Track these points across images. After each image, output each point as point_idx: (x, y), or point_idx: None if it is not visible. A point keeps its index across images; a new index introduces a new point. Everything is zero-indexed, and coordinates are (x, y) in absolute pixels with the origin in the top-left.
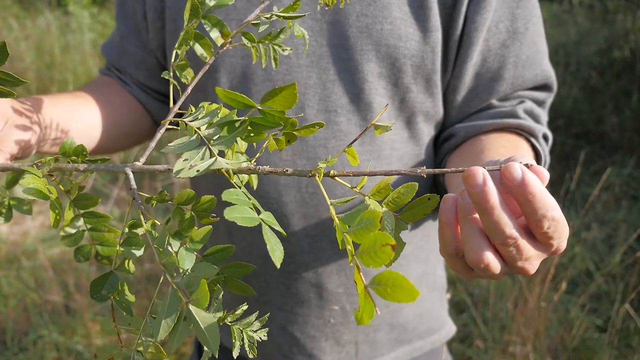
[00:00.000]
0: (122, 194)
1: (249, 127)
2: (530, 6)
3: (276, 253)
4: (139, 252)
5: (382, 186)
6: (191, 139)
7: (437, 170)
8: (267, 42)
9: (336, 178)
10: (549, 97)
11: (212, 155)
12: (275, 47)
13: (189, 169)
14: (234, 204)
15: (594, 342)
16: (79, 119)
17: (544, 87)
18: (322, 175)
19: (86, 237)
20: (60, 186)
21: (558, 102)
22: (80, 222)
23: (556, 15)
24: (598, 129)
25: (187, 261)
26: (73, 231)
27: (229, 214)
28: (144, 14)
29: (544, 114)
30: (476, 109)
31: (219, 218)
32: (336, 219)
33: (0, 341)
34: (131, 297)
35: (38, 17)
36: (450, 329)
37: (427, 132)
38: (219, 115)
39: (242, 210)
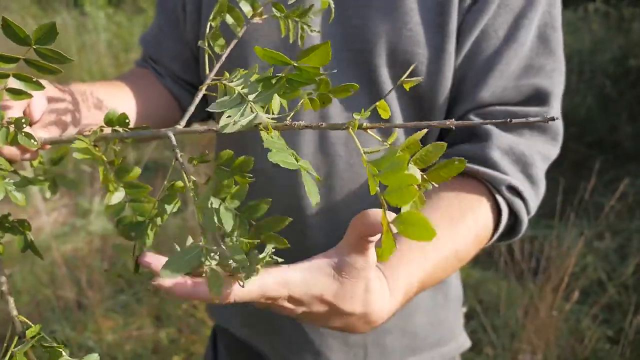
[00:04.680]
0: None
1: (285, 84)
2: (542, 14)
3: (313, 194)
4: (171, 209)
5: (412, 142)
6: (231, 97)
7: (466, 123)
8: (296, 18)
9: (368, 130)
10: (545, 112)
11: (252, 111)
12: (305, 26)
13: (233, 124)
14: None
15: (605, 353)
16: (113, 106)
17: (534, 99)
18: (356, 127)
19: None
20: (103, 156)
21: (571, 110)
22: (122, 193)
23: (571, 22)
24: (611, 137)
25: (226, 219)
26: (116, 202)
27: (272, 156)
28: (183, 6)
29: (542, 146)
30: (456, 116)
31: (254, 178)
32: (367, 164)
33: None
34: (149, 243)
35: (55, 17)
36: (464, 342)
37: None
38: (253, 77)
39: (283, 155)
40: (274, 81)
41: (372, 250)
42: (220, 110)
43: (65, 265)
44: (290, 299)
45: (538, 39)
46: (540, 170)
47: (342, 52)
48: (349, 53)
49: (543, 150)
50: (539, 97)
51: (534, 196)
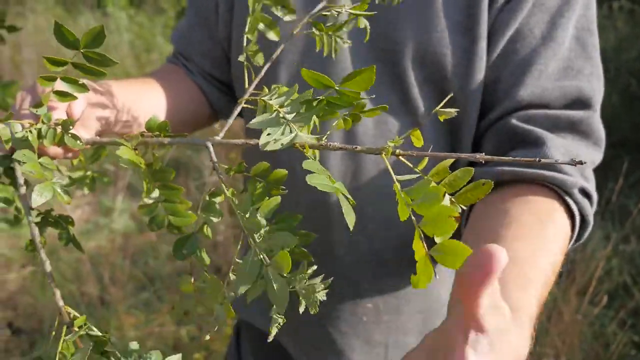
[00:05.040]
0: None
1: (325, 107)
2: (578, 17)
3: (350, 216)
4: (216, 219)
5: (441, 169)
6: (271, 116)
7: (495, 158)
8: (330, 32)
9: (400, 157)
10: (589, 117)
11: (292, 130)
12: (337, 39)
13: (274, 142)
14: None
15: (631, 359)
16: (146, 104)
17: (578, 103)
18: (389, 153)
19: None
20: (142, 159)
21: None
22: (156, 194)
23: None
24: (637, 137)
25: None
26: (150, 201)
27: (311, 179)
28: (215, 6)
29: (585, 150)
30: (494, 117)
31: (287, 190)
32: (400, 193)
33: (38, 330)
34: (206, 259)
35: (79, 18)
36: None
37: (467, 144)
38: (293, 96)
39: (321, 178)
40: (315, 103)
41: (502, 306)
42: (260, 128)
43: (89, 262)
44: None
45: (575, 41)
46: (591, 173)
47: (370, 52)
48: (377, 53)
49: (588, 155)
50: (582, 101)
51: (595, 199)
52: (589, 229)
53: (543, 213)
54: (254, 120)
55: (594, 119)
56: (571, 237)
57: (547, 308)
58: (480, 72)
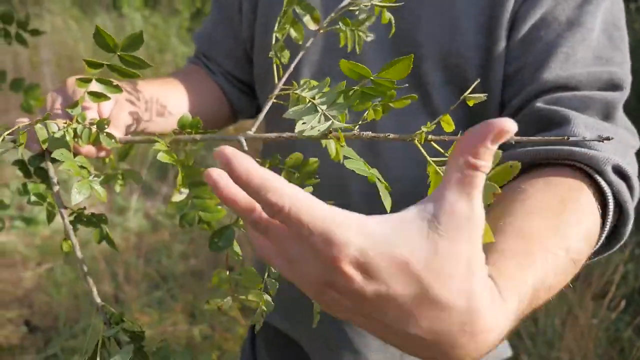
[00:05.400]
0: (171, 192)
1: (359, 96)
2: (605, 9)
3: (387, 200)
4: None
5: None
6: (306, 106)
7: (524, 139)
8: (353, 28)
9: (432, 143)
10: (621, 98)
11: (327, 119)
12: (360, 33)
13: (311, 129)
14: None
15: None
16: (170, 103)
17: (611, 87)
18: (422, 139)
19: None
20: (176, 157)
21: None
22: (187, 191)
23: None
24: None
25: None
26: (180, 199)
27: (349, 164)
28: (239, 5)
29: (623, 132)
30: (517, 104)
31: (319, 180)
32: (433, 173)
33: (53, 327)
34: (239, 252)
35: (95, 19)
36: (504, 351)
37: None
38: (325, 89)
39: (359, 163)
40: (350, 93)
41: (478, 198)
42: (295, 118)
43: (104, 260)
44: (359, 262)
45: (603, 32)
46: (634, 159)
47: (391, 54)
48: (398, 55)
49: (627, 138)
50: (615, 84)
51: (638, 187)
52: (630, 222)
53: (566, 193)
54: (289, 110)
55: (623, 100)
56: (602, 225)
57: (563, 312)
58: (499, 72)
